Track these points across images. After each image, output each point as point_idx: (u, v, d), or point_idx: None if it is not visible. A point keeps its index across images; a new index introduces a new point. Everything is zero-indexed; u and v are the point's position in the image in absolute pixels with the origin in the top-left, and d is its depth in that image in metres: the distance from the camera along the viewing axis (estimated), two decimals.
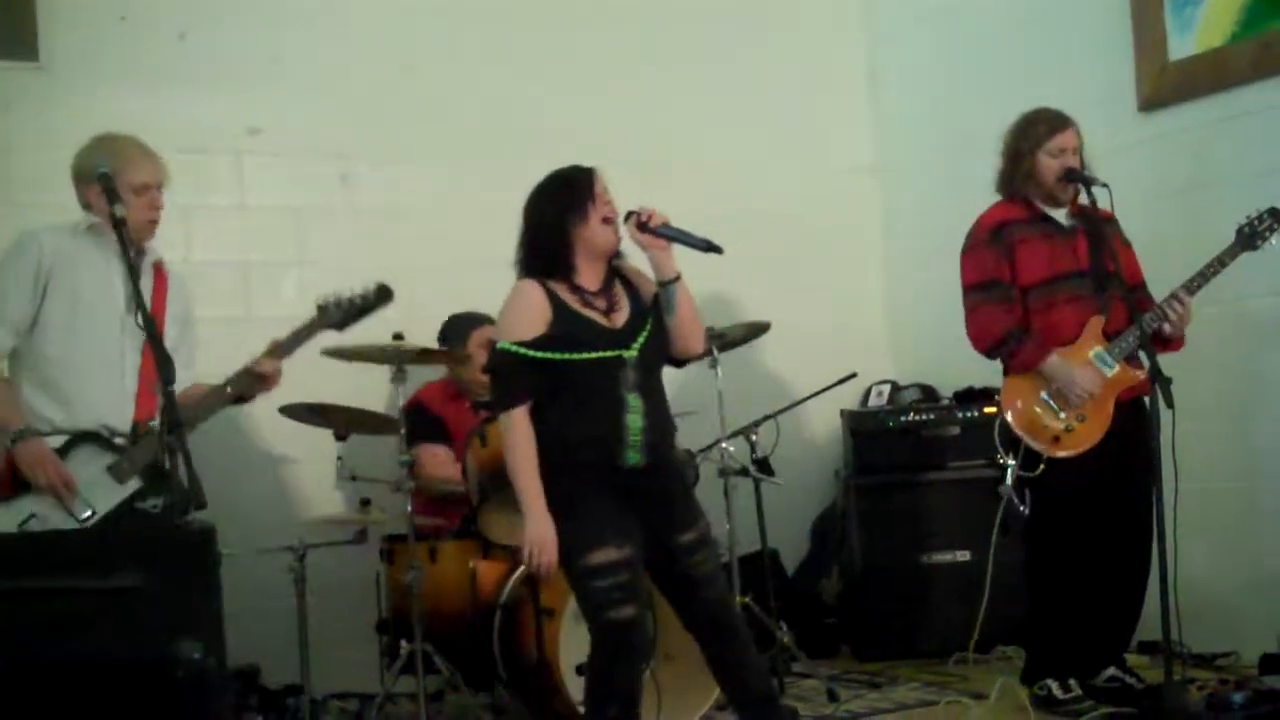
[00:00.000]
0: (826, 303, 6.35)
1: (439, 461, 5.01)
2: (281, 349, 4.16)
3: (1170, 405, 3.89)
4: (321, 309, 4.28)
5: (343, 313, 4.28)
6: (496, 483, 4.46)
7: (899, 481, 5.73)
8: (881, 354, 6.52)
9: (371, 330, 4.58)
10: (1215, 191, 5.11)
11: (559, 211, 3.64)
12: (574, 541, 3.47)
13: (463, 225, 5.69)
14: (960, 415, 5.72)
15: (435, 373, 5.47)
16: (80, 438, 3.84)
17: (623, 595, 3.43)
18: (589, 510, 3.50)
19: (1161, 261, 4.71)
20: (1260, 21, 5.04)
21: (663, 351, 3.67)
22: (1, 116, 4.93)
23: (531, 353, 3.50)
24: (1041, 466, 4.37)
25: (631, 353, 3.56)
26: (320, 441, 4.89)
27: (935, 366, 6.10)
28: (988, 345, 4.48)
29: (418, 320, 5.06)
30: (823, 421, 6.15)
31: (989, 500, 4.91)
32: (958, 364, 5.74)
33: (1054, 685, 4.43)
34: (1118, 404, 4.41)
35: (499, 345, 3.56)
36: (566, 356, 3.50)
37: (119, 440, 3.90)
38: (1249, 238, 4.39)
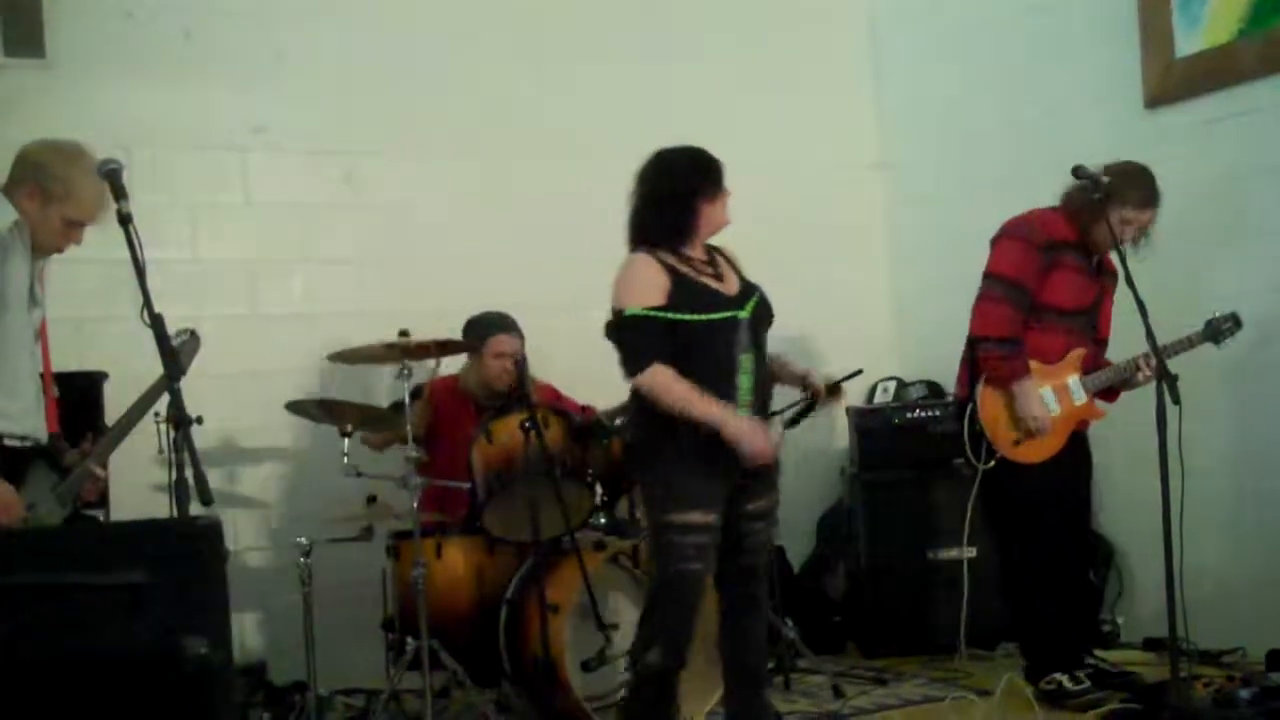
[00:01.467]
0: (832, 300, 6.34)
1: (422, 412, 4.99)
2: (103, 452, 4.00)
3: (1176, 401, 3.91)
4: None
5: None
6: (502, 479, 4.47)
7: (905, 478, 5.73)
8: (887, 351, 6.52)
9: (377, 327, 4.59)
10: (1221, 188, 5.10)
11: (693, 185, 3.81)
12: (670, 496, 3.68)
13: (468, 222, 5.70)
14: None
15: (444, 368, 5.47)
16: (36, 452, 3.79)
17: (696, 553, 3.66)
18: (692, 472, 3.67)
19: (1167, 260, 4.70)
20: (1267, 18, 5.03)
21: (769, 317, 3.86)
22: (6, 113, 4.93)
23: (663, 314, 3.67)
24: (992, 462, 4.55)
25: (745, 313, 3.76)
26: (326, 438, 4.89)
27: (941, 363, 6.08)
28: (987, 335, 4.56)
29: (423, 316, 5.05)
30: (829, 418, 6.15)
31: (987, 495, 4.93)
32: None
33: (1064, 679, 4.46)
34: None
35: (627, 311, 3.69)
36: (695, 317, 3.68)
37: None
38: (1214, 333, 4.59)
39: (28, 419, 3.79)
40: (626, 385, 3.76)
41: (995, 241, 4.66)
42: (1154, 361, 4.27)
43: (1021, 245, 4.58)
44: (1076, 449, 4.67)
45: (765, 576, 3.98)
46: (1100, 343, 4.73)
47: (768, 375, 3.85)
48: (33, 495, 3.71)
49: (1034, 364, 4.55)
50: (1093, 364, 4.66)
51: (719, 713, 4.18)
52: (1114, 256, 4.34)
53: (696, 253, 3.83)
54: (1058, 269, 4.56)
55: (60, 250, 3.89)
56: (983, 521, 4.78)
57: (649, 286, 3.71)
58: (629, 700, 3.89)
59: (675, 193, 3.81)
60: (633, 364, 3.70)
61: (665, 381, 3.64)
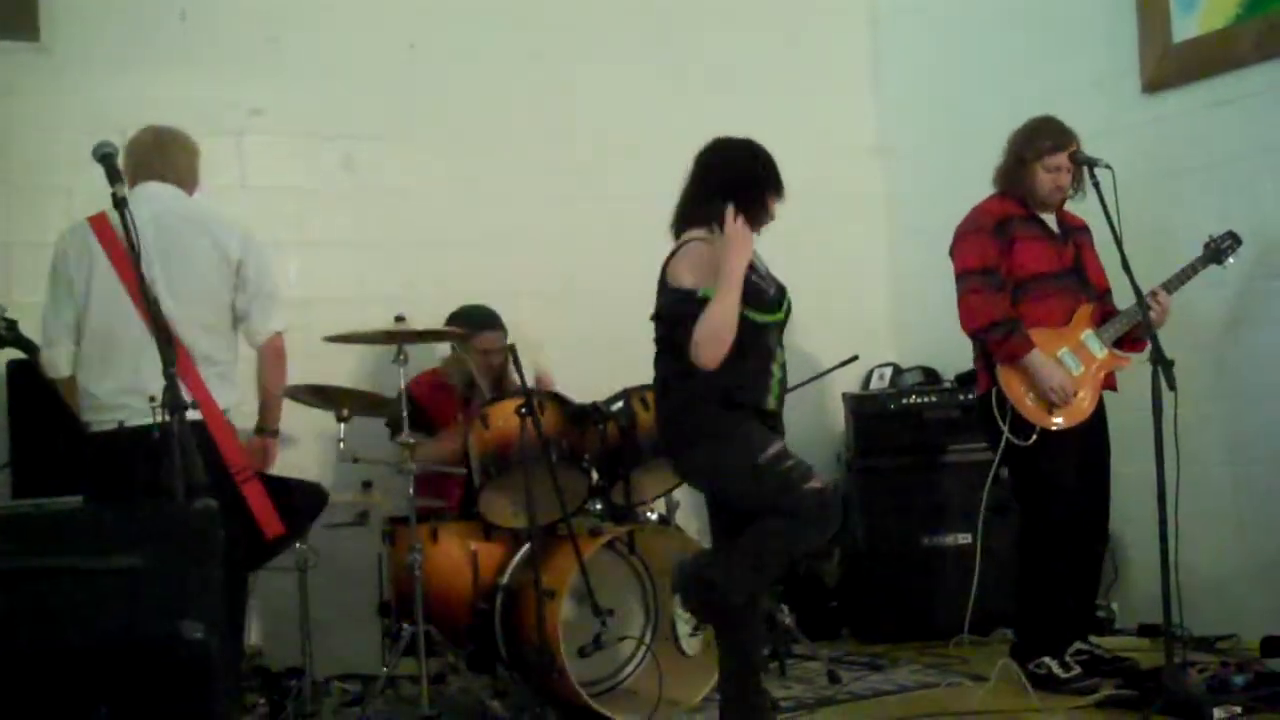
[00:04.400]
0: (829, 286, 6.33)
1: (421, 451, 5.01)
2: None
3: (1172, 387, 3.93)
4: None
5: None
6: (498, 465, 4.47)
7: (901, 464, 5.73)
8: (884, 337, 6.52)
9: (373, 312, 4.58)
10: (1219, 173, 5.10)
11: (763, 181, 3.90)
12: (745, 446, 3.74)
13: (464, 207, 5.69)
14: (962, 398, 5.70)
15: (432, 353, 5.47)
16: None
17: (807, 470, 3.74)
18: (749, 426, 3.78)
19: (1165, 242, 4.70)
20: (1264, 3, 5.02)
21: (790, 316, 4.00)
22: (2, 97, 4.91)
23: (749, 313, 3.75)
24: (1034, 437, 4.52)
25: (780, 315, 3.92)
26: (322, 423, 4.89)
27: (937, 349, 6.09)
28: (978, 327, 4.60)
29: (418, 301, 5.05)
30: (825, 404, 6.15)
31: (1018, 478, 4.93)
32: (960, 347, 5.72)
33: (1053, 664, 4.47)
34: None
35: (701, 292, 3.72)
36: (757, 317, 3.78)
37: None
38: (1215, 253, 4.66)
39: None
40: (686, 366, 3.76)
41: (952, 247, 4.75)
42: (1161, 296, 4.40)
43: (973, 236, 4.70)
44: (1100, 424, 4.68)
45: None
46: (1101, 296, 4.73)
47: (786, 373, 3.96)
48: None
49: (1046, 330, 4.58)
50: (1102, 317, 4.67)
51: (714, 699, 4.18)
52: (1095, 184, 4.39)
53: None
54: (1016, 242, 4.64)
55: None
56: (1014, 497, 4.77)
57: (709, 270, 3.74)
58: (728, 650, 3.86)
59: (745, 184, 3.87)
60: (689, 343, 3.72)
61: (705, 334, 3.69)
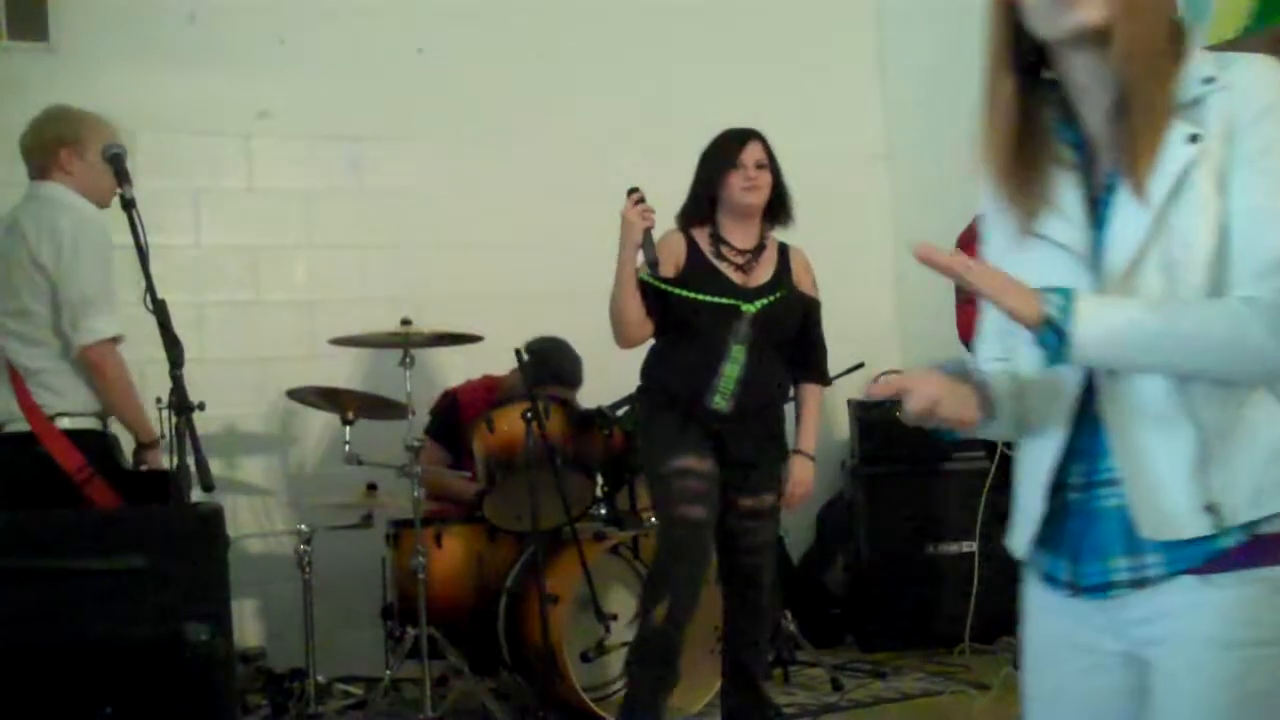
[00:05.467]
0: (835, 292, 6.29)
1: (433, 460, 5.00)
2: None
3: None
4: None
5: None
6: (503, 469, 4.47)
7: (905, 472, 5.72)
8: (890, 344, 6.51)
9: (379, 315, 4.58)
10: None
11: (708, 166, 3.92)
12: (659, 449, 3.75)
13: (472, 208, 5.69)
14: None
15: (438, 356, 5.46)
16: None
17: (695, 496, 3.68)
18: (678, 429, 3.75)
19: None
20: (1273, 15, 5.01)
21: (786, 323, 3.91)
22: (10, 97, 4.92)
23: (656, 281, 3.76)
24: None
25: (750, 307, 3.80)
26: (327, 425, 4.89)
27: (944, 357, 6.07)
28: (969, 340, 4.54)
29: (425, 304, 5.05)
30: (830, 411, 6.14)
31: (994, 492, 4.94)
32: (966, 355, 5.73)
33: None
34: None
35: (640, 275, 3.77)
36: (683, 293, 3.77)
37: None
38: None
39: None
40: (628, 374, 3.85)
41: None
42: None
43: (972, 246, 4.63)
44: None
45: (769, 584, 3.95)
46: None
47: (768, 380, 3.86)
48: None
49: None
50: None
51: (716, 705, 4.18)
52: None
53: (736, 238, 3.91)
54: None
55: (110, 195, 3.71)
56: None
57: (666, 257, 3.80)
58: (630, 661, 3.90)
59: (697, 175, 3.96)
60: None
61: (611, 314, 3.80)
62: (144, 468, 3.88)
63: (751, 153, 3.87)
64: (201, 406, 3.29)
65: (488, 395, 5.15)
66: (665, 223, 3.98)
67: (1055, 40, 1.72)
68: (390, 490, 4.73)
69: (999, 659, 5.01)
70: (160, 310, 3.24)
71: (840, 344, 5.92)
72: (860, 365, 5.56)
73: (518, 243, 5.66)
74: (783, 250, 4.00)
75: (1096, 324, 1.63)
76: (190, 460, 3.09)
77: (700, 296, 3.77)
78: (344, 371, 5.15)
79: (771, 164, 3.93)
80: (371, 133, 5.61)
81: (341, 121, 5.55)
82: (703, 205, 3.90)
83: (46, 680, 2.61)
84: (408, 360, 4.47)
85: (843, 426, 6.08)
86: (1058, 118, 1.79)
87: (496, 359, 5.03)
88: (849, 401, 5.95)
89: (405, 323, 4.51)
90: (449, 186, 5.68)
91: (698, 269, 3.82)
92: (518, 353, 4.51)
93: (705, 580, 3.87)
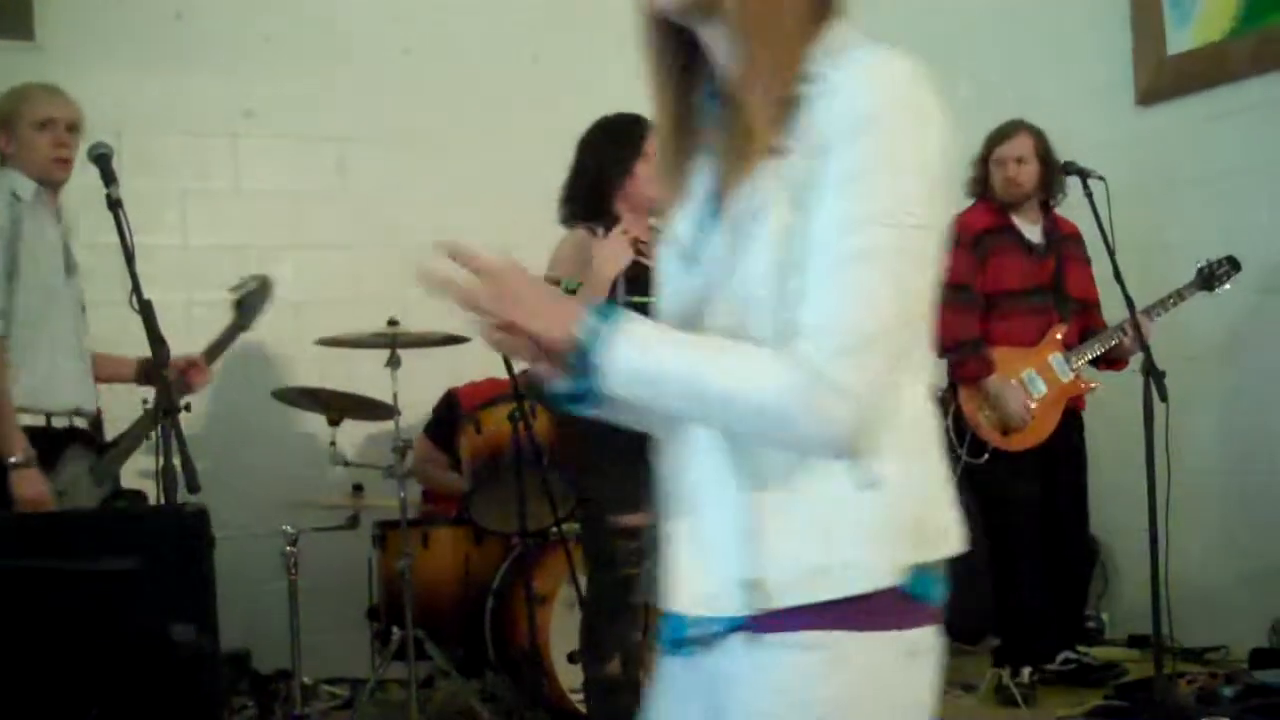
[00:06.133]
0: None
1: (420, 455, 4.99)
2: (211, 355, 4.12)
3: (1164, 399, 3.93)
4: (239, 305, 4.23)
5: (252, 312, 4.25)
6: (490, 470, 4.46)
7: None
8: None
9: (366, 315, 4.57)
10: (1212, 186, 5.11)
11: (605, 156, 3.69)
12: (613, 499, 3.52)
13: (458, 209, 5.67)
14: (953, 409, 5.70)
15: (425, 358, 5.44)
16: (69, 435, 3.76)
17: (639, 557, 3.51)
18: (633, 469, 3.48)
19: (1158, 255, 4.70)
20: (1259, 16, 5.03)
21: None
22: None
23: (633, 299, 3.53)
24: (986, 456, 4.56)
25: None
26: (314, 426, 4.88)
27: (935, 359, 6.11)
28: (943, 348, 4.56)
29: (413, 305, 5.03)
30: None
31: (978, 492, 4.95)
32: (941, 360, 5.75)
33: (1004, 674, 4.52)
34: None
35: (564, 284, 3.51)
36: (646, 300, 3.49)
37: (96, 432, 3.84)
38: (1207, 279, 4.59)
39: (55, 395, 3.73)
40: None
41: None
42: (1142, 322, 4.32)
43: (952, 252, 4.62)
44: (1069, 439, 4.68)
45: None
46: (1085, 311, 4.71)
47: None
48: (65, 481, 3.65)
49: (1013, 350, 4.59)
50: (1081, 335, 4.67)
51: None
52: (1066, 215, 4.56)
53: (643, 232, 3.65)
54: (993, 256, 4.63)
55: (59, 160, 3.75)
56: (976, 513, 4.79)
57: (567, 262, 3.63)
58: (592, 703, 3.73)
59: (585, 172, 3.77)
60: None
61: None
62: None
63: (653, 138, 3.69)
64: (188, 407, 3.30)
65: (490, 393, 5.16)
66: None
67: (674, 13, 1.52)
68: (377, 491, 4.72)
69: (985, 659, 5.02)
70: (146, 310, 3.23)
71: None
72: None
73: (506, 244, 5.61)
74: None
75: (627, 358, 1.42)
76: (176, 461, 3.09)
77: (642, 300, 3.48)
78: (331, 372, 5.13)
79: None
80: (358, 133, 5.60)
81: (328, 121, 5.54)
82: (597, 199, 3.67)
83: (33, 681, 2.60)
84: (394, 361, 4.47)
85: None
86: (711, 97, 1.56)
87: (483, 361, 5.02)
88: None
89: (392, 323, 4.51)
90: (436, 187, 5.68)
91: (640, 271, 3.51)
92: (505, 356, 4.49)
93: None
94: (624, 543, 3.53)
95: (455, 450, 4.95)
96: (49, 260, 3.77)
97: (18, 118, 3.76)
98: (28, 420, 3.65)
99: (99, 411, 3.92)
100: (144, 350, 3.26)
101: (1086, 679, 4.56)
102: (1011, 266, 4.64)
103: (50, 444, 3.68)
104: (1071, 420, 4.69)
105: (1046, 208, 4.74)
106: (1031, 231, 4.71)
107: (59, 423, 3.75)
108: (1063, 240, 4.70)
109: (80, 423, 3.82)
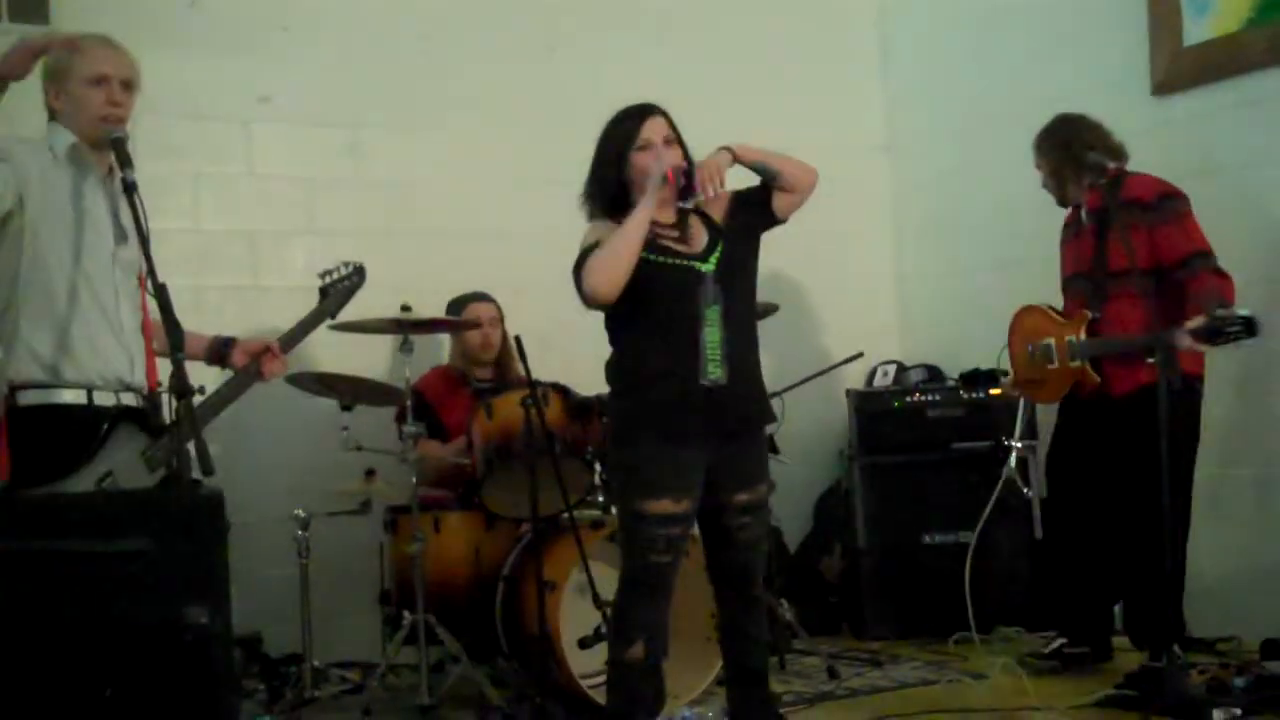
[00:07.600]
0: (835, 283, 6.34)
1: (428, 449, 5.00)
2: (288, 343, 4.03)
3: (1175, 388, 3.96)
4: (325, 293, 4.22)
5: (339, 300, 4.22)
6: (501, 455, 4.47)
7: (903, 462, 5.74)
8: (890, 335, 6.51)
9: (378, 301, 4.57)
10: (1227, 177, 5.09)
11: (613, 149, 3.68)
12: (638, 486, 3.54)
13: (471, 197, 5.68)
14: (965, 397, 5.71)
15: (442, 345, 5.47)
16: (122, 415, 3.55)
17: (667, 545, 3.53)
18: (659, 455, 3.53)
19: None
20: (1277, 6, 5.01)
21: (743, 268, 3.68)
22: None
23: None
24: (1033, 442, 4.85)
25: (708, 265, 3.58)
26: (326, 411, 4.89)
27: (942, 347, 6.09)
28: None
29: (425, 291, 5.05)
30: (828, 401, 6.14)
31: (991, 482, 4.96)
32: (965, 345, 5.74)
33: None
34: (1120, 396, 4.53)
35: (586, 245, 3.57)
36: (645, 256, 3.51)
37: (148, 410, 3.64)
38: (1210, 333, 4.20)
39: (105, 365, 3.54)
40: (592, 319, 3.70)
41: None
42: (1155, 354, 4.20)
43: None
44: (1131, 416, 4.38)
45: (758, 576, 3.81)
46: (1126, 274, 4.46)
47: (746, 335, 3.64)
48: (112, 462, 3.46)
49: (1053, 317, 4.76)
50: (1117, 318, 4.56)
51: (715, 692, 4.19)
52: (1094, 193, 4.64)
53: (660, 216, 3.63)
54: (1062, 248, 4.89)
55: (113, 124, 3.53)
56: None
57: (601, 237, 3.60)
58: (615, 697, 3.72)
59: (600, 162, 3.74)
60: (579, 263, 3.56)
61: (599, 249, 3.51)
62: None
63: (657, 129, 3.65)
64: (201, 390, 3.29)
65: (445, 378, 5.22)
66: None
67: None
68: (388, 476, 4.73)
69: (995, 648, 5.02)
70: (161, 294, 3.23)
71: (839, 333, 5.97)
72: (859, 355, 5.59)
73: (518, 232, 5.66)
74: (697, 211, 3.72)
75: None
76: (190, 444, 3.09)
77: (662, 259, 3.55)
78: (344, 357, 5.14)
79: (679, 137, 3.70)
80: (372, 119, 5.61)
81: (342, 108, 5.55)
82: (611, 191, 3.67)
83: (46, 663, 2.61)
84: (407, 346, 4.47)
85: (841, 416, 6.08)
86: None
87: None
88: (847, 391, 5.96)
89: (405, 309, 4.51)
90: (450, 174, 5.68)
91: (647, 249, 3.54)
92: (517, 340, 4.51)
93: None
94: (651, 530, 3.51)
95: (437, 426, 5.01)
96: (62, 222, 3.52)
97: (69, 73, 3.59)
98: (69, 397, 3.48)
99: (154, 390, 3.65)
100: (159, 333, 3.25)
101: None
102: (1066, 254, 4.87)
103: (93, 421, 3.47)
104: (1135, 403, 4.38)
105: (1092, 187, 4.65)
106: (1083, 213, 4.79)
107: (104, 399, 3.53)
108: (1111, 214, 4.50)
109: (129, 399, 3.60)
